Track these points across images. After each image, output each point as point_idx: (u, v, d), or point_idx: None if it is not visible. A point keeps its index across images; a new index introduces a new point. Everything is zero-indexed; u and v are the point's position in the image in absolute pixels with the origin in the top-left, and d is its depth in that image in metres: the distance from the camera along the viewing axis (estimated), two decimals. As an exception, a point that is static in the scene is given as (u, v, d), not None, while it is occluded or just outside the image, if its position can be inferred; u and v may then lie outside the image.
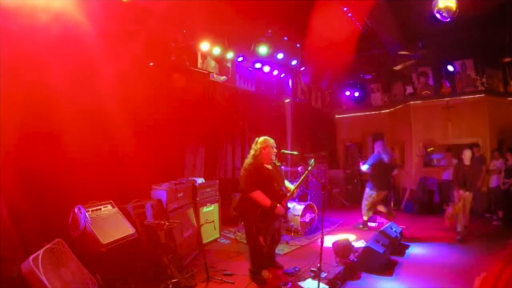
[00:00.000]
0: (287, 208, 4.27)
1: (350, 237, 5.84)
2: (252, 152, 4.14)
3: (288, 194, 4.14)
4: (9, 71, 3.35)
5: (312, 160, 4.14)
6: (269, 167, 4.13)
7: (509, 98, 9.00)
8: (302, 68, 8.88)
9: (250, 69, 8.07)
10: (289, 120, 9.62)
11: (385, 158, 6.67)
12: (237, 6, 5.64)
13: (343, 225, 7.32)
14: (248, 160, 4.11)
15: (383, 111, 10.99)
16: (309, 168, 4.03)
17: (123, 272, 3.63)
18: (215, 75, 6.96)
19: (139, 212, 4.42)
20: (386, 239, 4.83)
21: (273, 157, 4.15)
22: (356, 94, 11.04)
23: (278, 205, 3.94)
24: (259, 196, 3.89)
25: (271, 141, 4.14)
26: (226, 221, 6.56)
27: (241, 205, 4.17)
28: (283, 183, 4.28)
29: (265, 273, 4.25)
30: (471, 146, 8.11)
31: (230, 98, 7.71)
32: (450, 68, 8.86)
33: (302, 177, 4.21)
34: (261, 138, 4.16)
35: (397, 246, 5.29)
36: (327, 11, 6.12)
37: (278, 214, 4.02)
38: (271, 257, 4.57)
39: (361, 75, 9.89)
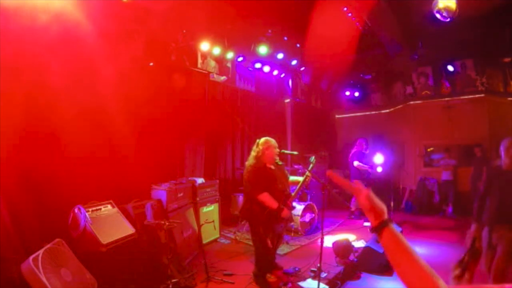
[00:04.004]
0: (293, 208, 4.23)
1: (350, 237, 5.84)
2: (253, 153, 4.06)
3: (293, 193, 4.11)
4: (9, 71, 3.35)
5: (313, 157, 4.09)
6: (272, 167, 4.10)
7: (509, 98, 8.99)
8: (302, 68, 8.88)
9: (250, 69, 8.07)
10: (289, 120, 9.63)
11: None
12: (237, 6, 5.64)
13: (343, 225, 7.32)
14: (250, 161, 4.04)
15: (383, 111, 10.99)
16: (311, 165, 3.99)
17: (123, 272, 3.63)
18: (215, 75, 6.97)
19: (139, 212, 4.42)
20: (386, 239, 4.82)
21: (276, 158, 4.10)
22: (356, 94, 11.04)
23: (284, 208, 3.91)
24: (266, 198, 3.83)
25: (273, 141, 4.07)
26: (226, 221, 6.57)
27: (246, 208, 4.11)
28: (287, 182, 4.22)
29: (269, 277, 4.23)
30: (474, 146, 8.12)
31: (230, 98, 7.72)
32: (450, 68, 8.86)
33: (304, 176, 4.16)
34: (263, 139, 4.08)
35: (397, 246, 5.28)
36: (327, 11, 6.12)
37: (284, 216, 3.99)
38: (272, 259, 4.56)
39: (361, 75, 9.90)
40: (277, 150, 4.07)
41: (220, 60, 6.93)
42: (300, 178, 4.22)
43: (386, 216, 1.05)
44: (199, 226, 5.09)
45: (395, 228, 1.04)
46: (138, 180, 4.79)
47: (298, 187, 4.19)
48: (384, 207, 1.06)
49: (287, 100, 9.58)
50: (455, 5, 4.82)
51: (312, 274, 4.33)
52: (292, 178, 4.33)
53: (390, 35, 7.53)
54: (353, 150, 7.98)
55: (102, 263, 3.46)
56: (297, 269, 4.52)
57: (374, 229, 1.05)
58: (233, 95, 7.82)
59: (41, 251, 2.92)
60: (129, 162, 4.68)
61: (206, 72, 6.74)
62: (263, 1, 5.77)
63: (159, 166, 5.56)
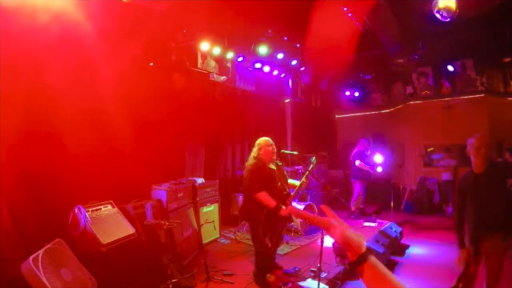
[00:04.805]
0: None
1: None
2: (252, 154, 4.13)
3: (292, 194, 4.12)
4: (9, 71, 3.35)
5: (314, 158, 4.11)
6: (273, 167, 4.12)
7: (509, 98, 9.00)
8: (302, 68, 8.88)
9: (250, 69, 8.06)
10: (289, 120, 9.62)
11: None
12: (237, 6, 5.64)
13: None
14: (250, 161, 4.09)
15: (383, 111, 11.00)
16: (311, 166, 4.01)
17: (123, 272, 3.63)
18: (215, 75, 6.96)
19: (139, 212, 4.42)
20: (386, 239, 4.83)
21: (274, 155, 4.13)
22: (356, 94, 11.04)
23: (283, 206, 3.91)
24: (264, 197, 3.85)
25: (268, 139, 4.12)
26: (226, 221, 6.56)
27: (245, 208, 4.13)
28: (287, 182, 4.25)
29: (269, 277, 4.24)
30: None
31: (230, 98, 7.71)
32: (450, 68, 8.87)
33: (304, 176, 4.17)
34: (258, 140, 4.16)
35: (397, 246, 5.29)
36: (327, 11, 6.12)
37: (283, 215, 3.99)
38: (273, 259, 4.56)
39: (361, 75, 9.90)
40: (273, 147, 4.11)
41: (220, 60, 6.92)
42: (297, 182, 4.24)
43: (364, 248, 0.87)
44: (199, 226, 5.10)
45: (376, 260, 0.87)
46: (138, 180, 4.79)
47: (298, 186, 4.20)
48: (361, 238, 0.89)
49: (287, 100, 9.57)
50: (455, 5, 4.82)
51: (312, 274, 4.33)
52: (290, 181, 4.35)
53: (390, 35, 7.53)
54: (355, 150, 7.98)
55: (102, 263, 3.46)
56: (297, 269, 4.52)
57: (351, 265, 0.87)
58: (233, 95, 7.81)
59: (41, 251, 2.92)
60: (129, 162, 4.68)
61: (206, 72, 6.73)
62: (263, 1, 5.77)
63: (159, 166, 5.56)
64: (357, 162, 7.67)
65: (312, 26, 6.54)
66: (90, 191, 4.00)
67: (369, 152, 7.95)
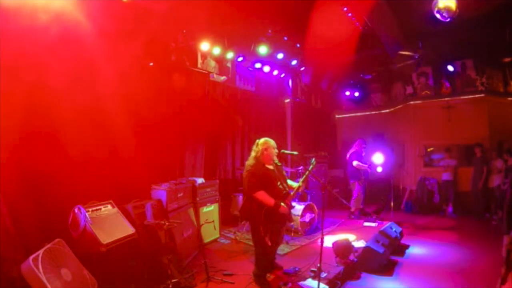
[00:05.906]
0: (292, 207, 4.25)
1: (350, 237, 5.84)
2: (253, 153, 4.12)
3: (292, 193, 4.13)
4: (9, 71, 3.35)
5: (314, 159, 4.13)
6: (271, 167, 4.13)
7: (509, 98, 9.00)
8: (302, 68, 8.88)
9: (250, 69, 8.07)
10: (289, 120, 9.63)
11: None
12: (237, 6, 5.64)
13: (343, 225, 7.32)
14: (250, 161, 4.09)
15: (383, 111, 11.00)
16: (311, 166, 4.03)
17: (123, 272, 3.63)
18: (215, 75, 6.97)
19: (139, 212, 4.42)
20: (386, 239, 4.83)
21: (275, 158, 4.14)
22: (356, 94, 11.05)
23: (282, 204, 3.92)
24: (263, 196, 3.87)
25: (272, 142, 4.13)
26: (226, 221, 6.56)
27: (245, 207, 4.13)
28: (286, 182, 4.26)
29: (269, 276, 4.24)
30: (474, 146, 8.12)
31: (230, 98, 7.71)
32: (450, 68, 8.87)
33: (304, 176, 4.19)
34: (262, 140, 4.14)
35: (397, 246, 5.29)
36: (327, 11, 6.12)
37: (282, 213, 4.00)
38: (272, 258, 4.56)
39: (361, 75, 9.90)
40: (276, 150, 4.12)
41: (220, 60, 6.93)
42: (295, 184, 4.26)
43: None
44: (199, 226, 5.10)
45: None
46: (138, 180, 4.79)
47: (297, 186, 4.21)
48: None
49: (287, 100, 9.58)
50: (455, 5, 4.82)
51: (312, 274, 4.33)
52: (289, 182, 4.36)
53: (390, 35, 7.53)
54: (352, 150, 7.97)
55: (102, 263, 3.46)
56: (297, 269, 4.52)
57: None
58: (233, 95, 7.82)
59: (41, 251, 2.92)
60: (129, 162, 4.68)
61: (206, 72, 6.74)
62: (263, 1, 5.77)
63: (159, 166, 5.56)
64: (355, 163, 7.67)
65: (312, 26, 6.54)
66: (90, 191, 4.00)
67: (364, 154, 7.93)
